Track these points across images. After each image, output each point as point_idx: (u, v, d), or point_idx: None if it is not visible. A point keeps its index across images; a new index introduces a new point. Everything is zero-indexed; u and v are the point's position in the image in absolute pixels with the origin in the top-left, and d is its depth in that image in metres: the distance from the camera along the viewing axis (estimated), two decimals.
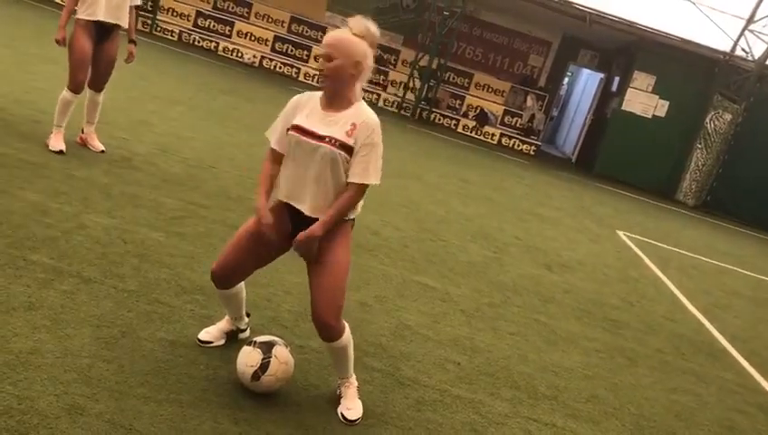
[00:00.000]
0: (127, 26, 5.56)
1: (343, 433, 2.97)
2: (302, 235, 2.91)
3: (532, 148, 15.59)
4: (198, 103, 9.35)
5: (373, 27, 2.99)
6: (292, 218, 3.05)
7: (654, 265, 8.18)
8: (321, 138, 2.94)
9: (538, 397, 3.88)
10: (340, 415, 3.08)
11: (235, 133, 8.16)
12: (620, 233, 9.58)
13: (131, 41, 5.71)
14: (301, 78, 15.39)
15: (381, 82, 15.76)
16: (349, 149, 2.94)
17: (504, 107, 16.03)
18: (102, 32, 5.46)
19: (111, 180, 5.17)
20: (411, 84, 15.31)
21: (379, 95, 15.53)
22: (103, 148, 5.72)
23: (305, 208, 3.00)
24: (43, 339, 2.96)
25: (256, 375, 2.99)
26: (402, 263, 5.42)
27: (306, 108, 3.03)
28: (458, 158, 12.10)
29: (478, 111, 15.80)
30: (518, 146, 15.57)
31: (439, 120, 15.61)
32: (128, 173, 5.47)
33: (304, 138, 2.97)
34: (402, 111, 15.28)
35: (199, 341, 3.31)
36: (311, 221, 2.97)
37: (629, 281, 7.15)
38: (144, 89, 8.83)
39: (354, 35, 2.95)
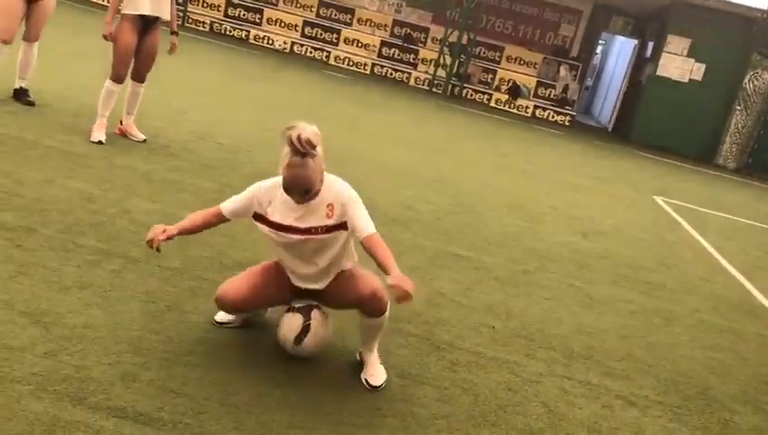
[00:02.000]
0: (168, 18, 5.73)
1: (381, 393, 3.10)
2: (399, 286, 2.76)
3: (567, 118, 15.46)
4: (232, 91, 9.53)
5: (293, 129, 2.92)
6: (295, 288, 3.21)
7: (692, 228, 8.12)
8: (305, 231, 3.01)
9: (573, 357, 3.95)
10: (364, 381, 3.16)
11: (268, 118, 8.32)
12: (658, 198, 9.51)
13: (173, 32, 5.89)
14: (331, 61, 15.49)
15: (412, 60, 15.77)
16: (338, 226, 3.01)
17: (536, 79, 15.91)
18: (145, 25, 5.64)
19: (152, 167, 5.36)
20: (442, 61, 15.30)
21: (409, 74, 15.56)
22: (144, 137, 5.92)
23: (316, 286, 3.17)
24: (95, 314, 3.14)
25: (299, 339, 3.14)
26: (435, 235, 5.51)
27: (275, 201, 3.04)
28: (492, 132, 12.10)
29: (510, 84, 15.71)
30: (552, 117, 15.46)
31: (471, 95, 15.57)
32: (167, 160, 5.66)
33: (289, 234, 3.02)
34: (434, 89, 15.29)
35: (216, 322, 3.35)
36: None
37: (666, 245, 7.13)
38: (178, 79, 9.04)
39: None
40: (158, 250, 3.11)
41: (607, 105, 18.61)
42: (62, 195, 4.38)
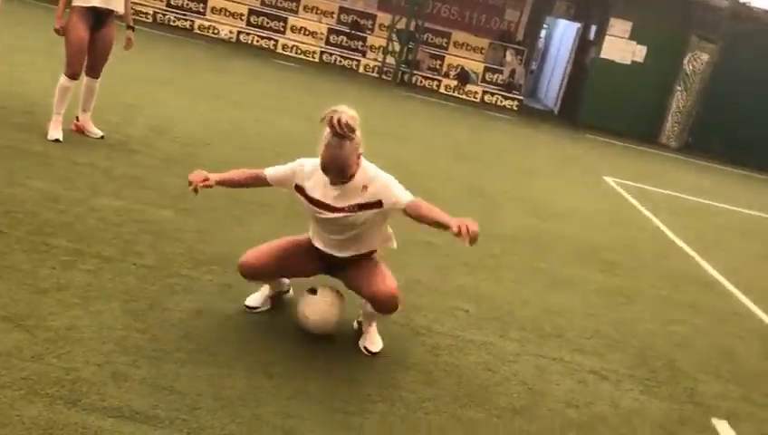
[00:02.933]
0: (122, 12, 5.60)
1: (369, 380, 3.17)
2: (463, 227, 2.89)
3: (515, 103, 15.72)
4: (182, 83, 9.39)
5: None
6: (321, 255, 3.42)
7: (642, 207, 8.41)
8: (340, 209, 3.22)
9: (544, 336, 4.09)
10: (363, 348, 3.39)
11: (223, 109, 8.24)
12: (608, 179, 9.80)
13: (129, 27, 5.77)
14: (279, 49, 15.36)
15: (360, 48, 15.77)
16: (371, 204, 3.22)
17: (484, 64, 16.11)
18: (98, 18, 5.50)
19: (113, 164, 5.28)
20: (390, 48, 15.34)
21: (358, 62, 15.56)
22: (102, 133, 5.81)
23: (339, 253, 3.38)
24: (77, 315, 3.11)
25: (313, 290, 3.38)
26: (402, 223, 5.56)
27: (314, 177, 3.25)
28: (444, 118, 12.23)
29: (459, 69, 15.88)
30: (501, 102, 15.69)
31: (421, 82, 15.67)
32: (127, 156, 5.58)
33: (326, 212, 3.25)
34: (384, 76, 15.33)
35: (247, 307, 3.51)
36: (339, 258, 3.37)
37: (620, 224, 7.38)
38: (126, 72, 8.81)
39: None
40: (195, 192, 3.25)
41: (552, 88, 18.97)
42: (26, 195, 4.29)
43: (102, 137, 5.79)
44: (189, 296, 3.53)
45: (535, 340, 4.01)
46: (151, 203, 4.67)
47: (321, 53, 15.45)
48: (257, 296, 3.57)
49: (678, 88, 15.05)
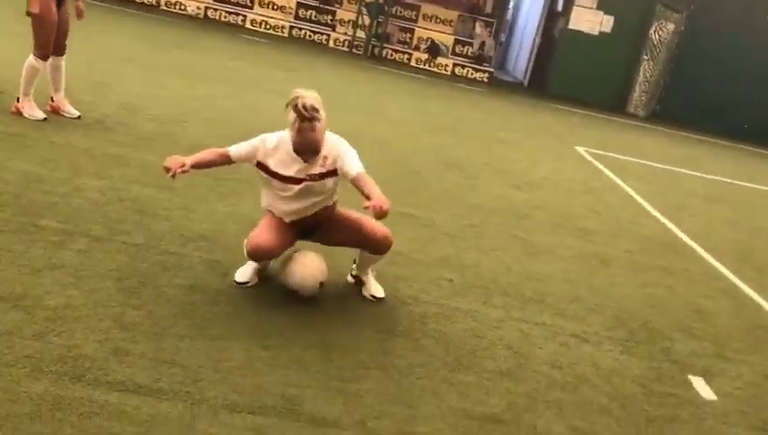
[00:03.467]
0: None
1: (362, 348, 3.27)
2: (377, 205, 3.16)
3: (486, 75, 15.79)
4: (152, 60, 9.28)
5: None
6: (296, 224, 3.60)
7: (614, 175, 8.59)
8: (302, 180, 3.42)
9: (526, 301, 4.23)
10: (370, 296, 3.72)
11: (194, 86, 8.18)
12: (579, 148, 9.96)
13: None
14: (248, 25, 15.20)
15: (330, 22, 15.67)
16: (330, 172, 3.44)
17: (453, 36, 16.12)
18: None
19: (92, 144, 5.26)
20: (360, 22, 15.27)
21: (328, 36, 15.47)
22: (78, 113, 5.76)
23: (308, 214, 3.59)
24: (72, 294, 3.16)
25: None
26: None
27: (278, 153, 3.42)
28: (416, 91, 12.26)
29: (429, 42, 15.87)
30: (471, 74, 15.74)
31: (392, 55, 15.65)
32: (104, 135, 5.56)
33: (289, 184, 3.43)
34: (354, 50, 15.28)
35: (237, 283, 3.59)
36: (318, 220, 3.62)
37: (593, 192, 7.54)
38: (92, 50, 8.69)
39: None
40: (173, 177, 3.39)
41: (521, 60, 19.05)
42: (9, 177, 4.28)
43: (79, 117, 5.75)
44: (180, 273, 3.58)
45: (518, 306, 4.14)
46: (134, 181, 4.69)
47: (291, 27, 15.32)
48: (246, 271, 3.65)
49: (645, 57, 15.24)
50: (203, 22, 14.54)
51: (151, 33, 11.68)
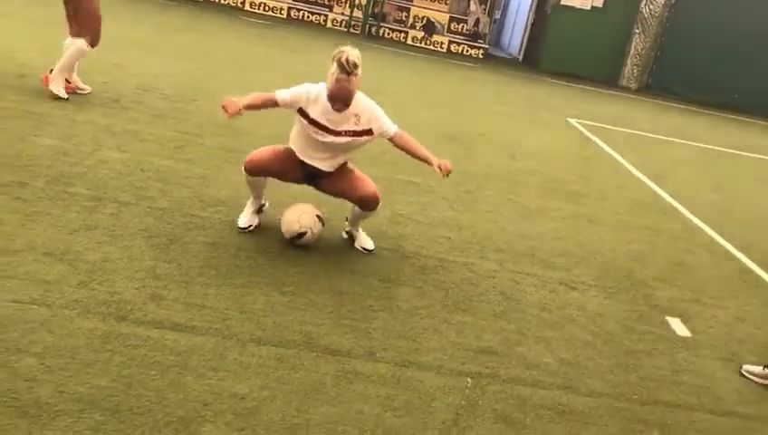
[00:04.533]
0: None
1: (369, 294, 3.63)
2: (445, 165, 3.89)
3: (481, 52, 16.06)
4: (161, 43, 9.58)
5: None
6: (305, 166, 3.97)
7: (605, 144, 8.93)
8: (338, 133, 3.82)
9: (519, 256, 4.60)
10: (360, 248, 4.11)
11: (204, 67, 8.50)
12: (572, 120, 10.29)
13: None
14: (247, 7, 15.46)
15: (327, 2, 15.92)
16: (364, 132, 3.87)
17: (449, 14, 16.38)
18: None
19: (110, 121, 5.60)
20: (357, 1, 15.53)
21: (326, 16, 15.73)
22: (90, 88, 6.16)
23: (324, 167, 3.95)
24: (108, 250, 3.52)
25: (296, 239, 3.93)
26: (385, 166, 6.01)
27: (317, 103, 3.78)
28: (413, 68, 12.56)
29: (425, 21, 16.14)
30: (467, 51, 16.02)
31: (388, 34, 15.92)
32: (121, 113, 5.89)
33: (322, 133, 3.81)
34: (351, 30, 15.55)
35: (240, 228, 4.03)
36: (328, 172, 3.97)
37: (584, 160, 7.89)
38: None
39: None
40: (229, 117, 3.70)
41: (515, 36, 19.32)
42: (38, 151, 4.62)
43: (90, 92, 6.11)
44: (203, 232, 3.95)
45: (511, 259, 4.51)
46: (153, 154, 5.03)
47: (289, 9, 15.58)
48: (245, 217, 4.10)
49: (637, 31, 15.52)
50: (203, 5, 14.79)
51: (154, 16, 11.95)
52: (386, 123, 3.93)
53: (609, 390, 3.22)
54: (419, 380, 2.98)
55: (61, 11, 5.86)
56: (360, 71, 3.68)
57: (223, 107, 3.68)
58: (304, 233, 3.90)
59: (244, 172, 3.99)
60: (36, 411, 2.36)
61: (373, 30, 15.63)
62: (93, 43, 5.89)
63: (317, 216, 3.96)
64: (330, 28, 15.57)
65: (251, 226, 4.07)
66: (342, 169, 4.05)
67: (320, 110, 3.80)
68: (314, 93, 3.80)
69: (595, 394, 3.16)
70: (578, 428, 2.89)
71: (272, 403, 2.64)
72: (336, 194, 4.09)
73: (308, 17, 15.63)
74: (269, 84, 8.31)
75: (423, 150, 3.96)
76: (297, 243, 3.93)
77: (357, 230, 4.20)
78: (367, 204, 4.00)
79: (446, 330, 3.44)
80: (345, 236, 4.25)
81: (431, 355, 3.18)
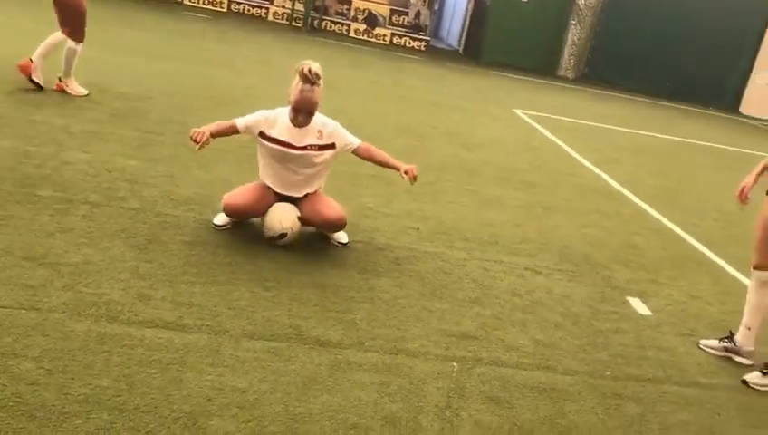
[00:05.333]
0: None
1: (350, 286, 3.73)
2: (412, 170, 4.09)
3: (423, 44, 16.26)
4: (103, 39, 9.35)
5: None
6: (281, 197, 4.10)
7: (550, 133, 9.22)
8: (302, 148, 3.95)
9: (484, 244, 4.77)
10: (336, 242, 4.20)
11: (153, 65, 8.38)
12: (517, 111, 10.57)
13: None
14: (186, 1, 15.21)
15: None
16: (327, 146, 4.02)
17: (389, 7, 16.50)
18: None
19: (67, 121, 5.51)
20: None
21: (267, 9, 15.63)
22: (87, 91, 6.28)
23: (298, 195, 4.10)
24: (88, 253, 3.51)
25: (277, 239, 3.99)
26: (346, 160, 6.05)
27: (277, 124, 3.93)
28: (358, 61, 12.64)
29: (366, 13, 16.22)
30: (409, 43, 16.18)
31: (330, 27, 15.94)
32: (78, 113, 5.80)
33: (287, 149, 3.94)
34: (294, 23, 15.50)
35: (216, 225, 4.09)
36: (300, 199, 4.10)
37: (533, 150, 8.15)
38: (43, 31, 8.76)
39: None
40: (200, 148, 3.83)
41: (454, 28, 19.59)
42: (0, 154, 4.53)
43: (87, 94, 6.31)
44: (180, 231, 3.97)
45: (478, 248, 4.68)
46: (117, 154, 4.99)
47: (229, 2, 15.41)
48: (222, 215, 4.15)
49: (573, 22, 15.97)
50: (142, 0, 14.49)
51: (92, 13, 11.65)
52: (348, 136, 4.12)
53: (584, 368, 3.41)
54: (409, 366, 3.10)
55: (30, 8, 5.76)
56: (321, 82, 3.84)
57: (192, 139, 3.82)
58: (285, 234, 3.97)
59: (222, 210, 4.09)
60: (44, 414, 2.38)
61: (315, 23, 15.63)
62: (74, 38, 6.05)
63: (297, 217, 4.03)
64: (271, 21, 15.49)
65: (227, 224, 4.11)
66: (310, 196, 4.16)
67: (280, 129, 3.95)
68: (272, 116, 3.97)
69: (571, 372, 3.35)
70: (560, 404, 3.07)
71: (272, 395, 2.72)
72: (305, 218, 4.09)
73: (248, 10, 15.50)
74: (215, 78, 8.29)
75: (389, 158, 4.20)
76: (277, 242, 3.99)
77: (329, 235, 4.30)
78: (331, 227, 4.14)
79: (428, 317, 3.57)
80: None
81: (417, 342, 3.31)
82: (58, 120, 5.47)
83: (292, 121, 3.93)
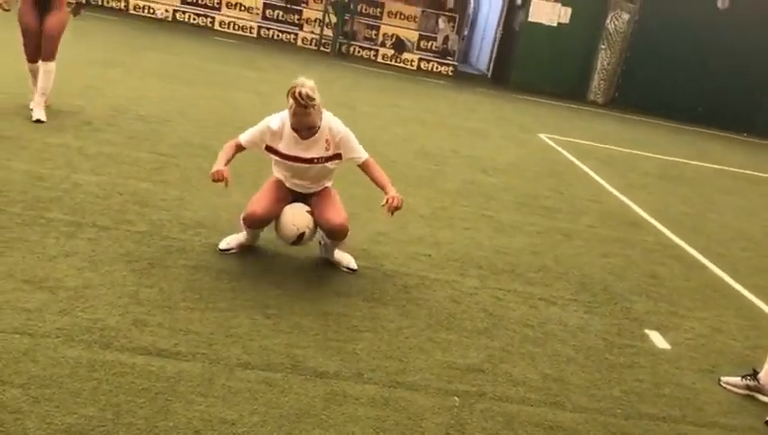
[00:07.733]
0: None
1: (353, 314, 3.64)
2: (394, 200, 3.91)
3: (450, 69, 16.23)
4: (131, 63, 9.52)
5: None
6: (295, 193, 4.08)
7: (575, 158, 9.07)
8: (309, 160, 3.90)
9: (498, 272, 4.64)
10: (346, 269, 4.12)
11: (176, 88, 8.46)
12: (542, 135, 10.43)
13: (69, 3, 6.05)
14: (216, 26, 15.43)
15: (297, 21, 15.97)
16: (334, 156, 3.95)
17: (418, 32, 16.54)
18: (44, 3, 5.77)
19: (84, 143, 5.54)
20: (327, 20, 15.60)
21: (296, 35, 15.77)
22: (40, 118, 5.85)
23: (309, 192, 4.10)
24: (89, 277, 3.47)
25: (296, 241, 3.99)
26: (361, 184, 6.00)
27: (283, 136, 3.88)
28: (384, 86, 12.64)
29: (394, 38, 16.27)
30: (437, 68, 16.18)
31: (359, 52, 16.01)
32: (95, 135, 5.84)
33: (295, 163, 3.91)
34: (322, 48, 15.60)
35: (221, 250, 4.03)
36: (312, 195, 4.09)
37: (556, 175, 8.00)
38: (75, 55, 8.90)
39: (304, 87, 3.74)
40: (226, 186, 3.82)
41: (483, 53, 19.56)
42: (12, 176, 4.55)
43: (39, 121, 5.80)
44: (184, 255, 3.92)
45: (491, 276, 4.55)
46: (129, 177, 4.99)
47: (259, 27, 15.60)
48: (231, 241, 4.10)
49: (602, 47, 15.82)
50: (172, 25, 14.74)
51: (124, 37, 11.87)
52: (356, 149, 4.03)
53: (594, 404, 3.26)
54: (408, 400, 2.99)
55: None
56: (316, 101, 3.76)
57: (214, 180, 3.82)
58: (303, 233, 3.94)
59: (242, 224, 4.02)
60: None
61: (343, 48, 15.71)
62: (28, 60, 5.96)
63: (308, 211, 4.00)
64: (300, 47, 15.62)
65: (232, 248, 4.05)
66: (323, 192, 4.12)
67: (287, 142, 3.90)
68: (276, 126, 3.89)
69: (580, 409, 3.20)
70: None
71: (263, 428, 2.63)
72: (313, 214, 4.07)
73: (278, 36, 15.66)
74: (240, 103, 8.32)
75: (385, 180, 4.06)
76: (297, 245, 4.00)
77: (333, 255, 4.19)
78: (333, 234, 4.02)
79: (432, 349, 3.46)
80: (320, 243, 4.24)
81: (418, 375, 3.20)
82: (74, 142, 5.51)
83: (294, 132, 3.88)
